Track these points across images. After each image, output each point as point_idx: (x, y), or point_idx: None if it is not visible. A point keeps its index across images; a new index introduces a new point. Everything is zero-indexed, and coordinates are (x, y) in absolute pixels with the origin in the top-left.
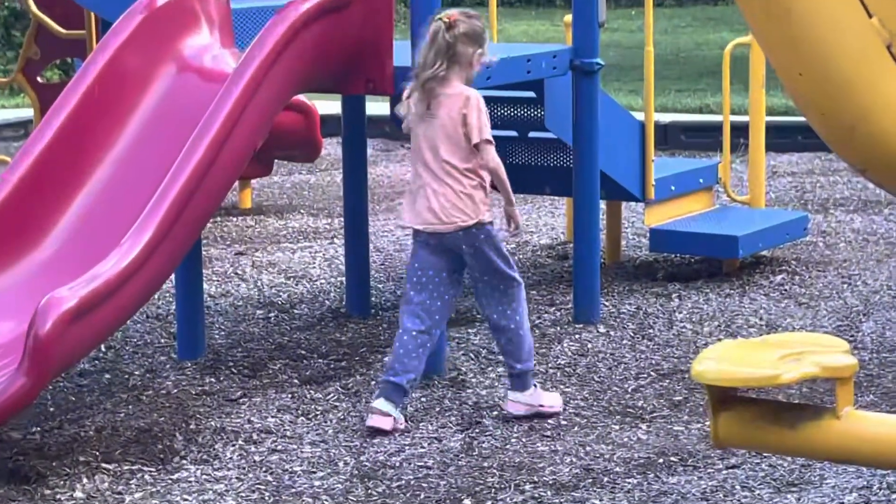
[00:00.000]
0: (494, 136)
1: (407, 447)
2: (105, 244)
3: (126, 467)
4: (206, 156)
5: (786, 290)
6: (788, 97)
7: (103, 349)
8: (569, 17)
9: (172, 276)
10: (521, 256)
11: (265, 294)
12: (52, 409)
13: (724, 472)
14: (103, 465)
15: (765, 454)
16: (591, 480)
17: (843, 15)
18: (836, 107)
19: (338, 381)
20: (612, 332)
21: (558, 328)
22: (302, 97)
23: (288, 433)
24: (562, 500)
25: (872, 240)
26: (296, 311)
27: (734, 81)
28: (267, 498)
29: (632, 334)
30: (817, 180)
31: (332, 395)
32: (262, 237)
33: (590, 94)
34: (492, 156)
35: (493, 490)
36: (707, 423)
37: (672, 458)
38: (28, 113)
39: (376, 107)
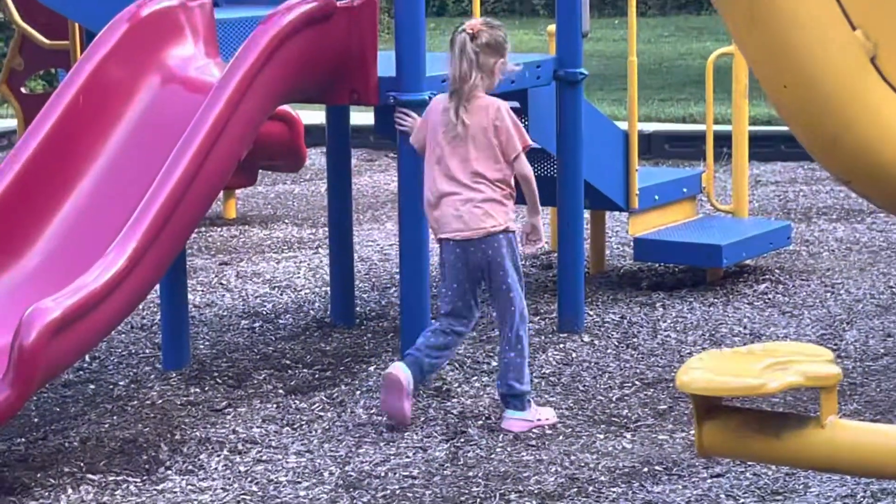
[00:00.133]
0: None
1: (392, 457)
2: (90, 254)
3: (111, 478)
4: (190, 166)
5: (769, 298)
6: (771, 107)
7: (88, 359)
8: (552, 27)
9: (157, 287)
10: None
11: (250, 304)
12: (36, 420)
13: (709, 480)
14: (88, 475)
15: (749, 463)
16: (576, 490)
17: (826, 27)
18: (820, 118)
19: (323, 390)
20: (596, 342)
21: (543, 337)
22: (286, 107)
23: (273, 443)
24: None
25: (855, 249)
26: (280, 321)
27: (717, 91)
28: None
29: (616, 343)
30: (800, 189)
31: (317, 404)
32: (247, 247)
33: (573, 103)
34: (527, 165)
35: (478, 500)
36: (692, 431)
37: (657, 467)
38: (12, 124)
39: (360, 117)
